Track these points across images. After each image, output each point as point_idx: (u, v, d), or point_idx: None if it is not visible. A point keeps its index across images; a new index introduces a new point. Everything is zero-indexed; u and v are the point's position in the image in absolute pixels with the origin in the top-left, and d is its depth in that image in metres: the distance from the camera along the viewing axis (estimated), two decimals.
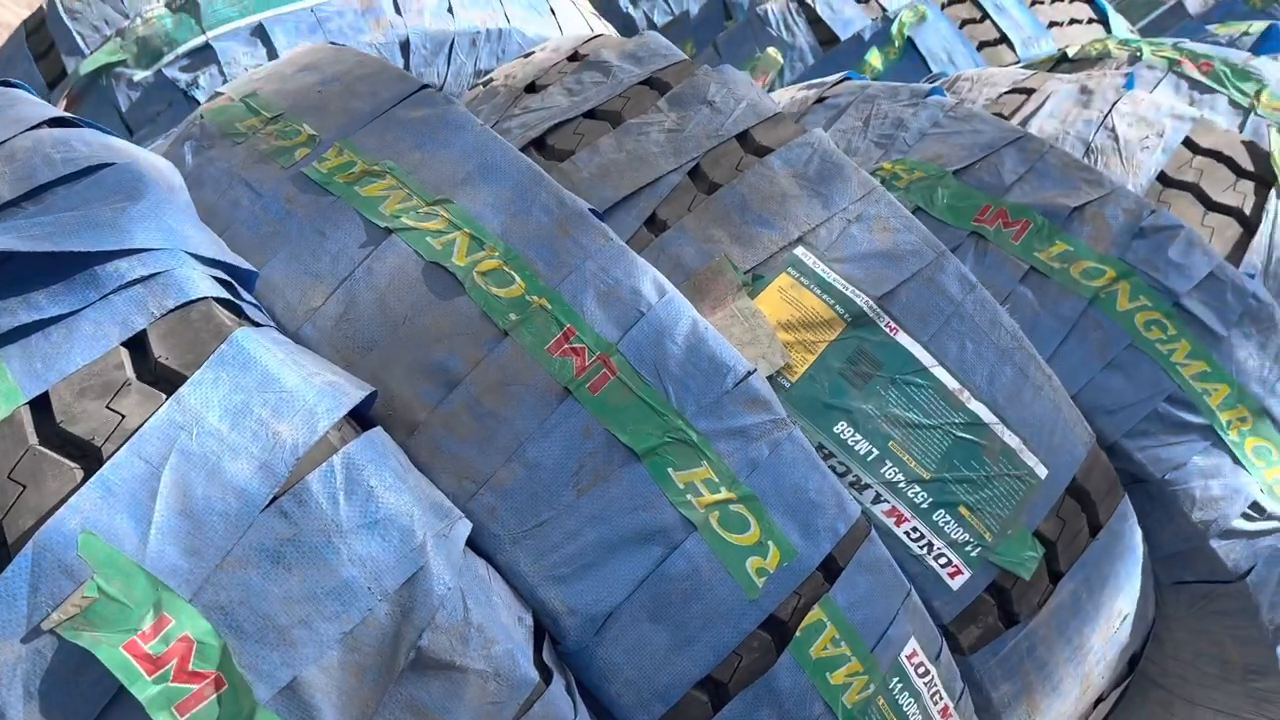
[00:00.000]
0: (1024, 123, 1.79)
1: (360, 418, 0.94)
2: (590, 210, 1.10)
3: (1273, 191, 1.63)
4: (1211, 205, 1.63)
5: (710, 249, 1.22)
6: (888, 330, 1.20)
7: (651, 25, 3.53)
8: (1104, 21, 2.79)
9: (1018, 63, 2.64)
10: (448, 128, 1.13)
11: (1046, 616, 1.25)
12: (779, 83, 2.91)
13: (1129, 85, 1.82)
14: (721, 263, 1.20)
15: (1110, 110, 1.75)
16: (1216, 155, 1.68)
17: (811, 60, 2.90)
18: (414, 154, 1.10)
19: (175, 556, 0.76)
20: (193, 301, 0.89)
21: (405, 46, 1.81)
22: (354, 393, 0.88)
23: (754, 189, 1.26)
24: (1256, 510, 1.34)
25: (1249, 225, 1.61)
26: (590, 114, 1.39)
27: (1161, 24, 3.54)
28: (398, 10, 1.82)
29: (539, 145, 1.38)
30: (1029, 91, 1.88)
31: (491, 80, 1.58)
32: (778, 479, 1.01)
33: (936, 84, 1.68)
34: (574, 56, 1.52)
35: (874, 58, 2.69)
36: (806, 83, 1.82)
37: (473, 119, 1.13)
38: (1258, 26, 2.30)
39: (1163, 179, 1.66)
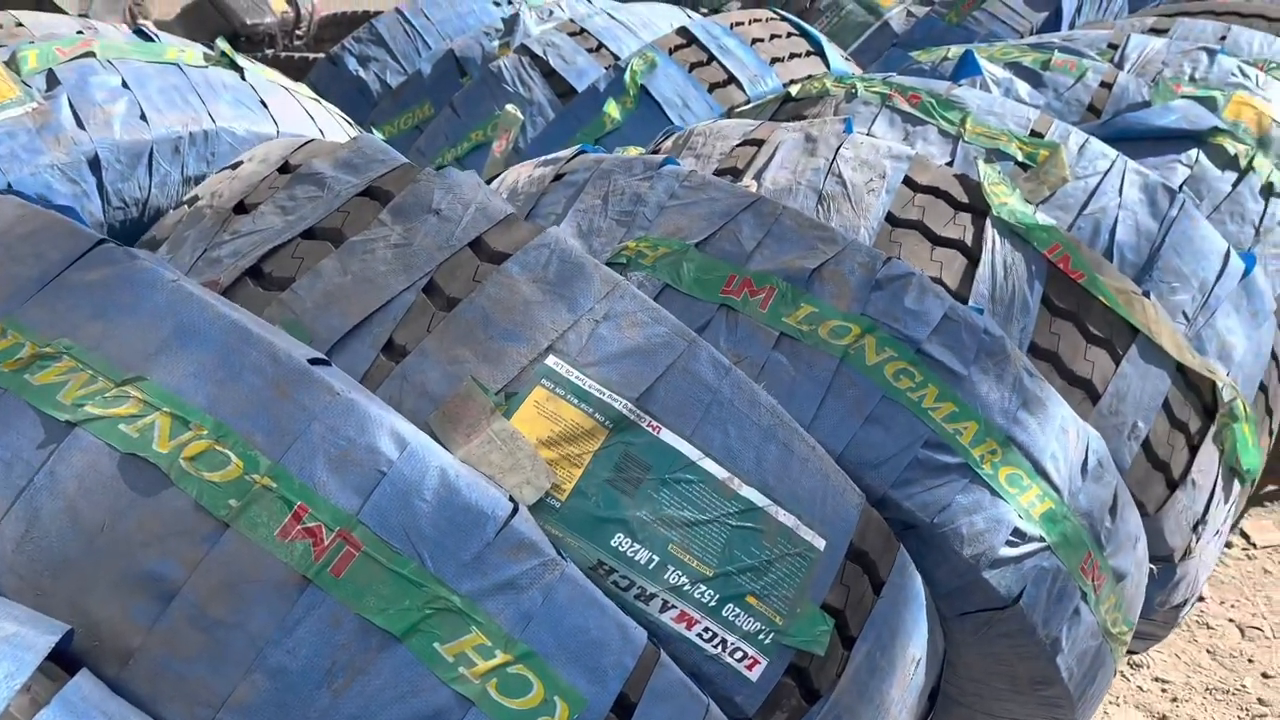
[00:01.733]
0: (758, 175, 1.82)
1: (60, 657, 0.80)
2: (311, 360, 1.00)
3: (988, 220, 1.73)
4: (936, 240, 1.72)
5: (457, 371, 1.15)
6: (651, 430, 1.17)
7: (385, 87, 3.41)
8: (820, 53, 2.93)
9: (748, 101, 2.72)
10: (133, 288, 0.99)
11: (847, 684, 1.25)
12: (522, 138, 2.88)
13: (848, 129, 1.90)
14: (470, 386, 1.13)
15: (835, 156, 1.82)
16: (934, 191, 1.77)
17: (551, 114, 2.89)
18: (94, 326, 0.96)
19: None
20: None
21: (95, 163, 1.62)
22: (41, 643, 0.74)
23: (495, 300, 1.20)
24: (1018, 536, 1.41)
25: (972, 256, 1.70)
26: (308, 234, 1.28)
27: (872, 44, 3.78)
28: (80, 123, 1.63)
29: (255, 274, 1.26)
30: (759, 143, 1.92)
31: (196, 200, 1.44)
32: (556, 626, 0.95)
33: (670, 156, 1.68)
34: (285, 168, 1.40)
35: (612, 108, 2.70)
36: (541, 159, 1.78)
37: (162, 274, 1.00)
38: (955, 51, 2.47)
39: (890, 219, 1.74)
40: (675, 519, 1.15)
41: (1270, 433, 2.17)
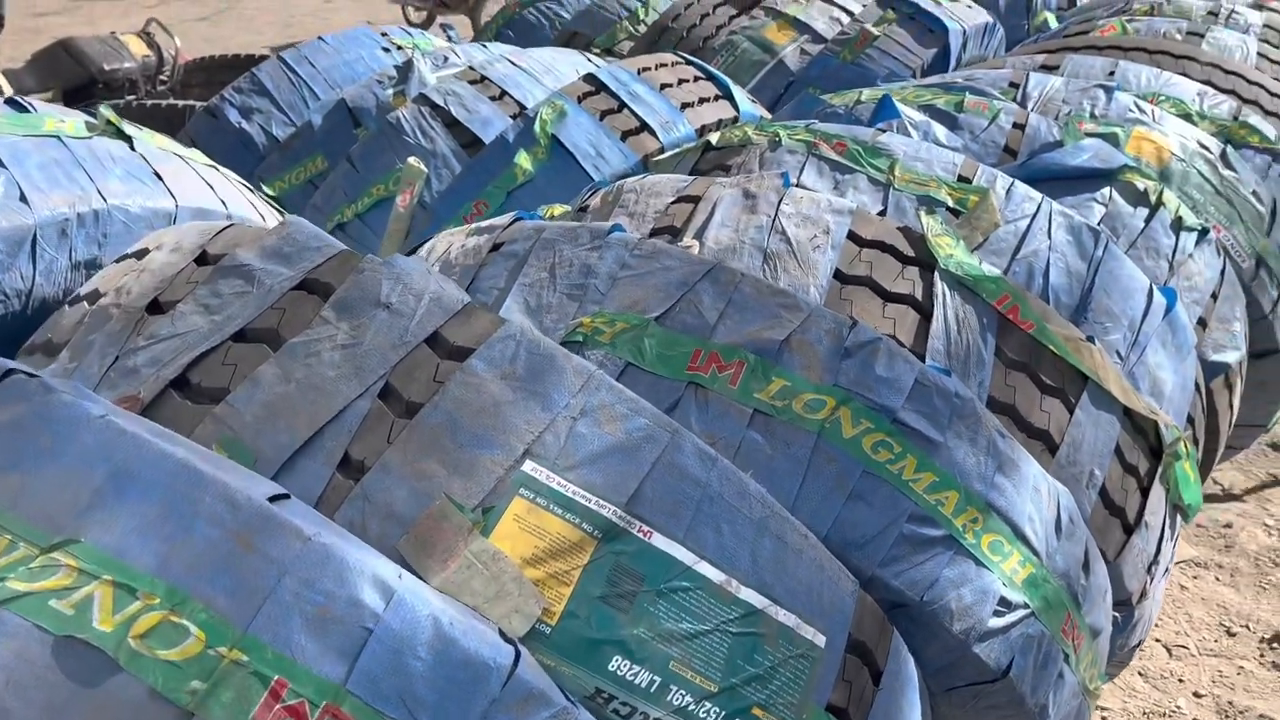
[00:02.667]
0: (699, 234, 1.76)
1: None
2: (272, 498, 0.87)
3: (936, 274, 1.70)
4: (887, 296, 1.68)
5: (426, 487, 1.03)
6: (642, 536, 1.07)
7: (271, 139, 3.23)
8: (728, 97, 2.90)
9: (662, 149, 2.67)
10: (54, 427, 0.85)
11: None
12: (427, 192, 2.75)
13: (785, 183, 1.85)
14: (443, 504, 1.02)
15: (776, 213, 1.77)
16: (880, 245, 1.74)
17: (457, 165, 2.77)
18: (9, 479, 0.81)
19: None
20: None
21: None
22: None
23: (461, 403, 1.09)
24: (1004, 605, 1.37)
25: (924, 311, 1.67)
26: (240, 336, 1.14)
27: (768, 83, 3.79)
28: None
29: (181, 386, 1.11)
30: (695, 199, 1.86)
31: (98, 296, 1.28)
32: None
33: (614, 225, 1.59)
34: (203, 259, 1.26)
35: (523, 159, 2.60)
36: (475, 226, 1.67)
37: (87, 408, 0.86)
38: (870, 95, 2.47)
39: (839, 276, 1.69)
40: (675, 633, 1.05)
41: (1197, 463, 2.23)
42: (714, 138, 2.32)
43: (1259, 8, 4.04)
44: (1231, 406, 2.42)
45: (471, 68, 2.97)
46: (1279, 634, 2.73)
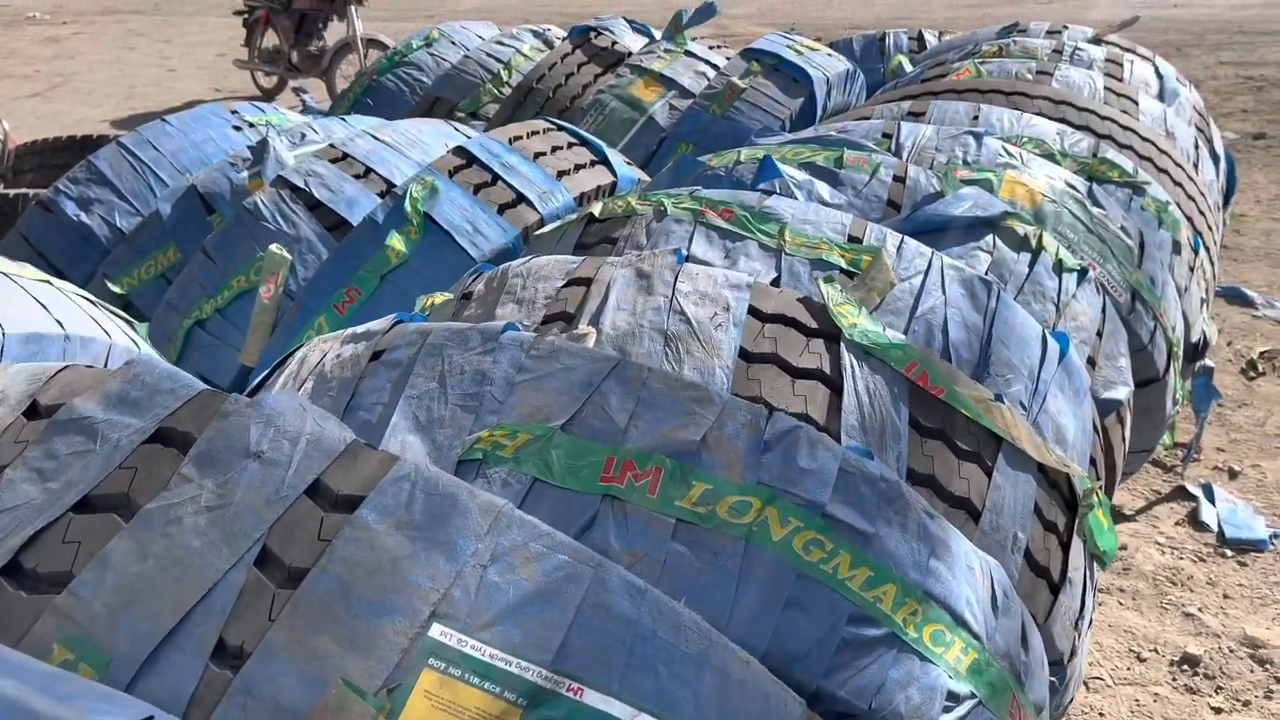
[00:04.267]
0: (595, 319, 1.66)
1: None
2: None
3: (842, 345, 1.65)
4: (795, 372, 1.61)
5: (318, 670, 0.89)
6: (572, 696, 0.95)
7: (115, 232, 2.99)
8: (605, 162, 2.83)
9: (542, 221, 2.57)
10: None
11: None
12: (293, 280, 2.57)
13: (679, 259, 1.78)
14: (341, 692, 0.87)
15: (673, 292, 1.69)
16: (782, 319, 1.68)
17: (323, 250, 2.60)
18: None
19: None
20: None
21: None
22: None
23: (353, 563, 0.95)
24: (952, 699, 1.30)
25: (834, 385, 1.61)
26: (83, 505, 0.98)
27: (641, 140, 3.75)
28: None
29: (13, 573, 0.94)
30: (587, 281, 1.76)
31: None
32: None
33: (506, 324, 1.48)
34: (33, 411, 1.08)
35: (395, 241, 2.46)
36: (351, 333, 1.53)
37: None
38: (749, 154, 2.44)
39: (744, 355, 1.62)
40: None
41: (1110, 509, 2.24)
42: (597, 208, 2.24)
43: (1098, 42, 4.24)
44: (1124, 439, 2.46)
45: (332, 145, 2.81)
46: (1187, 655, 2.78)
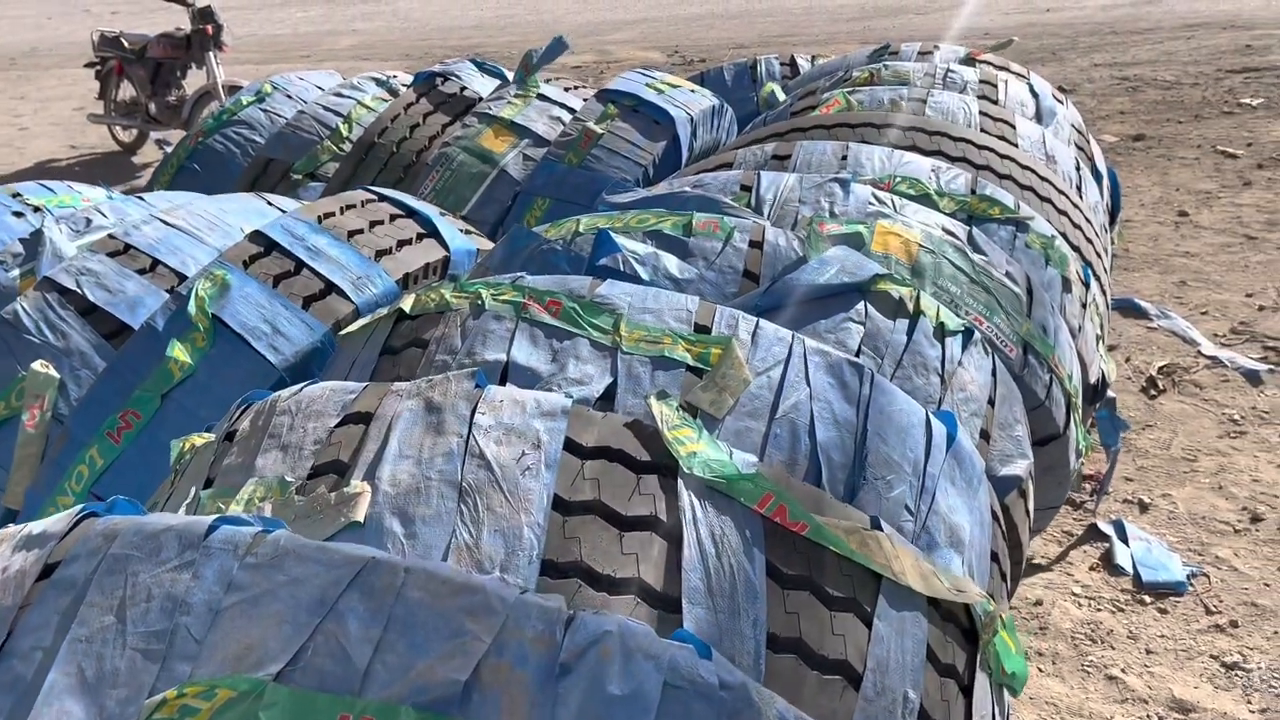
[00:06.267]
0: (372, 474, 1.32)
1: None
2: None
3: (680, 482, 1.34)
4: (624, 523, 1.30)
5: None
6: None
7: None
8: (434, 234, 2.49)
9: (357, 312, 2.22)
10: None
11: None
12: (63, 402, 2.17)
13: (480, 382, 1.45)
14: None
15: (470, 429, 1.36)
16: (606, 454, 1.36)
17: (100, 361, 2.21)
18: None
19: None
20: None
21: None
22: None
23: None
24: None
25: (671, 535, 1.30)
26: None
27: (494, 195, 3.42)
28: None
29: None
30: (366, 418, 1.43)
31: None
32: None
33: (215, 519, 1.12)
34: None
35: (178, 351, 2.08)
36: (24, 532, 1.15)
37: None
38: (588, 224, 2.13)
39: (560, 505, 1.30)
40: None
41: (1009, 595, 1.98)
42: (408, 303, 1.90)
43: (971, 63, 4.07)
44: (1028, 513, 2.21)
45: (112, 235, 2.42)
46: None
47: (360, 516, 1.27)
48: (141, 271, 2.33)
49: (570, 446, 1.36)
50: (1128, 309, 4.99)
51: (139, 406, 2.06)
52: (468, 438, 1.34)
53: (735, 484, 1.34)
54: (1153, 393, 4.28)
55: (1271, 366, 4.37)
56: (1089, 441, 2.68)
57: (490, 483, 1.30)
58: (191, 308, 2.11)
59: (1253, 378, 4.31)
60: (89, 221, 2.67)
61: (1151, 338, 4.74)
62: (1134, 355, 4.58)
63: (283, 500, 1.35)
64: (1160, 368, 4.43)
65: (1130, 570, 3.19)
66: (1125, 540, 3.32)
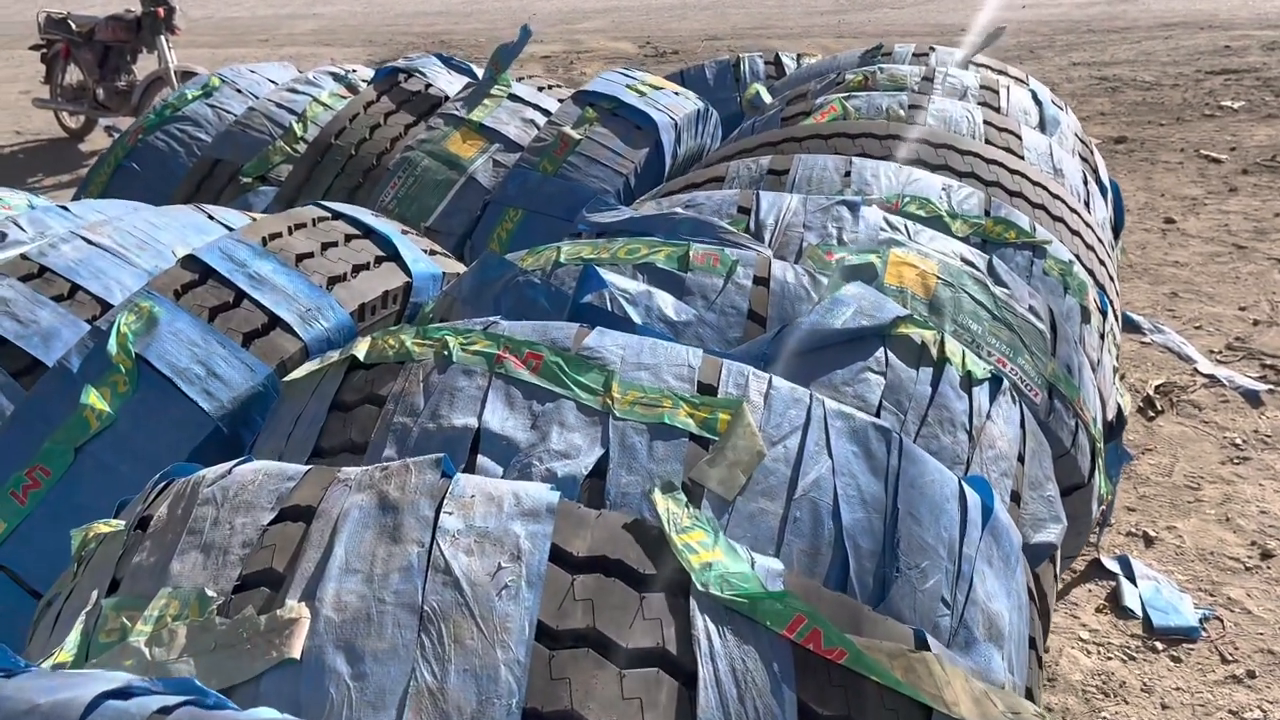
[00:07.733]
0: (312, 593, 1.06)
1: None
2: None
3: (692, 602, 1.09)
4: (625, 658, 1.05)
5: None
6: None
7: None
8: (394, 257, 2.22)
9: (305, 350, 1.95)
10: None
11: None
12: None
13: (447, 469, 1.19)
14: None
15: (434, 535, 1.10)
16: (602, 565, 1.11)
17: (7, 404, 1.92)
18: None
19: None
20: None
21: None
22: None
23: None
24: None
25: (683, 671, 1.05)
26: None
27: (461, 205, 3.15)
28: None
29: None
30: (307, 514, 1.16)
31: None
32: None
33: (95, 698, 0.86)
34: None
35: (94, 399, 1.80)
36: None
37: None
38: (570, 252, 1.87)
39: (546, 636, 1.05)
40: None
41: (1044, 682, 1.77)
42: (361, 349, 1.64)
43: (967, 66, 3.85)
44: (1057, 578, 2.00)
45: (25, 256, 2.12)
46: None
47: (296, 651, 1.02)
48: (58, 298, 2.04)
49: (557, 556, 1.11)
50: (1121, 323, 4.82)
51: (48, 461, 1.78)
52: (430, 547, 1.09)
53: (760, 605, 1.10)
54: (1150, 413, 4.10)
55: (1271, 386, 4.21)
56: (1110, 488, 2.47)
57: (458, 606, 1.05)
58: (112, 346, 1.83)
59: (1252, 398, 4.15)
60: (4, 236, 2.37)
61: (1146, 353, 4.57)
62: (1129, 372, 4.40)
63: (201, 622, 1.09)
64: (1157, 386, 4.25)
65: (1140, 613, 2.99)
66: (1132, 579, 3.13)
